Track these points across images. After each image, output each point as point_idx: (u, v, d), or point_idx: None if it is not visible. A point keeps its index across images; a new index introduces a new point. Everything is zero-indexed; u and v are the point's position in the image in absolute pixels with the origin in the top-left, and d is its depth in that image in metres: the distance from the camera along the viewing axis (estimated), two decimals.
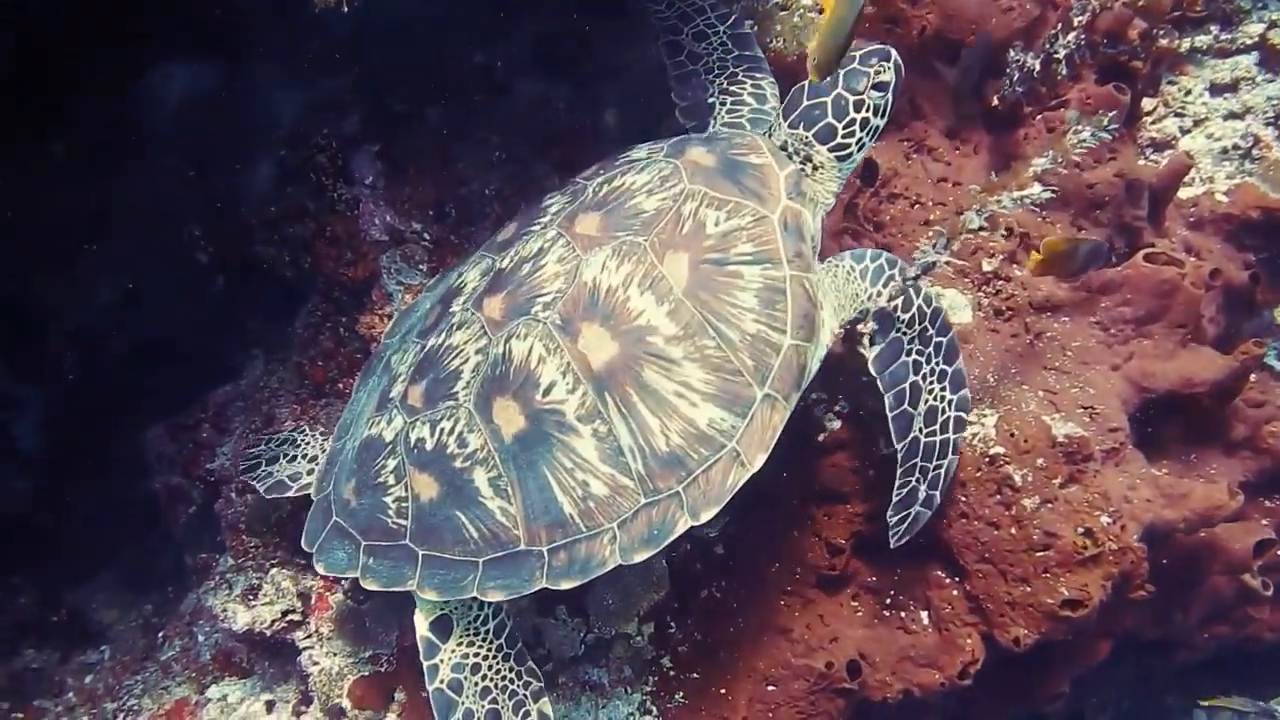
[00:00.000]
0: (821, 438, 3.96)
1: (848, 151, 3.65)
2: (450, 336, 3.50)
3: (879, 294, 3.51)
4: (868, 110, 3.60)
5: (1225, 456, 4.52)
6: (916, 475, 3.57)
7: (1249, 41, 5.41)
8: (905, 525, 3.63)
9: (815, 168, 3.66)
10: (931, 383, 3.54)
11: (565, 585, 3.28)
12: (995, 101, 4.41)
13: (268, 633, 4.22)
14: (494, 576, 3.32)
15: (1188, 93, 5.27)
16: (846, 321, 3.59)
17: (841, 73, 3.57)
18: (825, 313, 3.49)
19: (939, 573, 4.00)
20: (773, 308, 3.33)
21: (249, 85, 4.62)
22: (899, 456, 3.56)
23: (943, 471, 3.57)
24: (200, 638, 4.70)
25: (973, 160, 4.55)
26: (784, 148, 3.67)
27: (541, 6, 4.98)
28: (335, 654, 4.13)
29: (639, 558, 3.25)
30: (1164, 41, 4.26)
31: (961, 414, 3.58)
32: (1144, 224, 4.58)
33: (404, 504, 3.43)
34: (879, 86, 3.58)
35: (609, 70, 5.03)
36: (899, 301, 3.48)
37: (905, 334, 3.51)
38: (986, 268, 4.29)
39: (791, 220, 3.47)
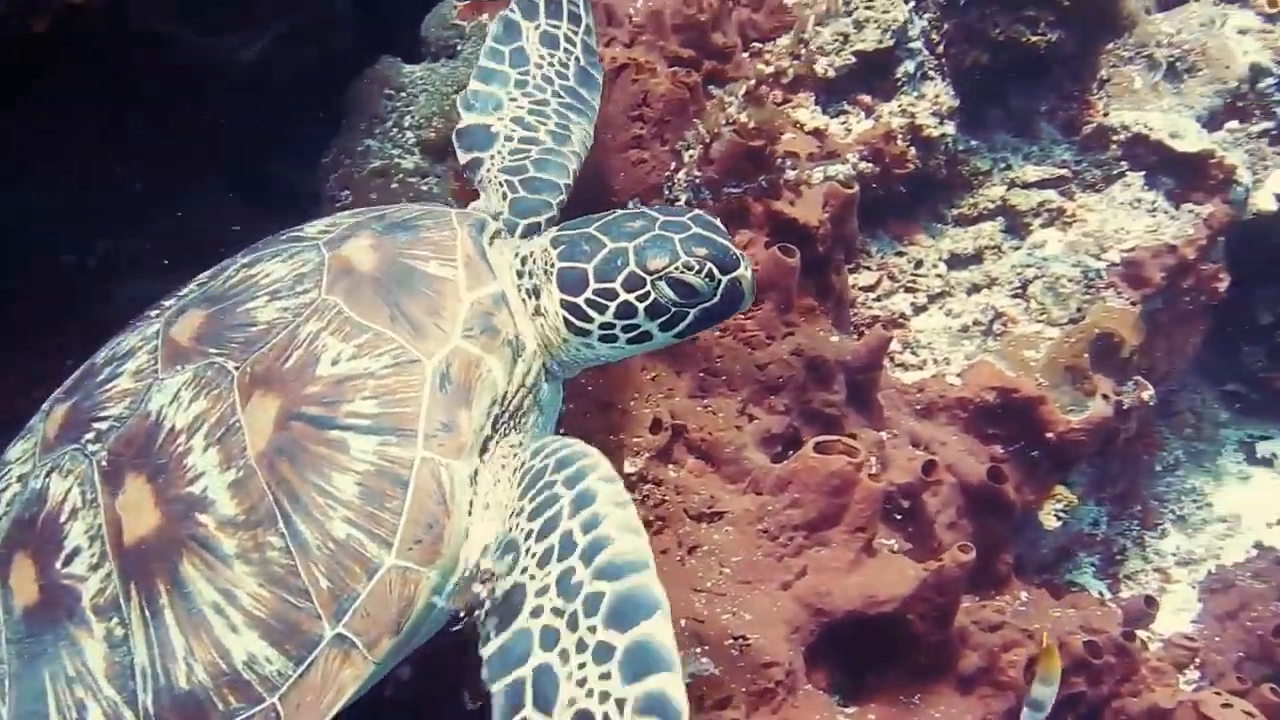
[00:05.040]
0: None
1: (585, 327, 2.73)
2: (11, 450, 2.83)
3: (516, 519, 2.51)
4: (640, 298, 2.67)
5: (960, 695, 3.86)
6: None
7: (991, 206, 5.05)
8: None
9: (539, 313, 2.79)
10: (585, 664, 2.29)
11: None
12: None
13: None
14: None
15: (918, 264, 4.86)
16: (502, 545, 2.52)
17: (653, 236, 2.69)
18: (470, 524, 2.52)
19: None
20: (381, 505, 2.44)
21: None
22: None
23: None
24: None
25: None
26: (524, 262, 2.81)
27: (176, 198, 4.59)
28: None
29: None
30: (792, 174, 3.81)
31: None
32: (840, 410, 4.06)
33: None
34: (677, 286, 2.65)
35: None
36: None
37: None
38: (630, 469, 3.71)
39: (459, 373, 2.57)
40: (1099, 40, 5.37)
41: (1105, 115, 5.30)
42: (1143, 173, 5.15)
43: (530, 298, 2.78)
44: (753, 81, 3.55)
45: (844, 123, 4.62)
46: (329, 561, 2.41)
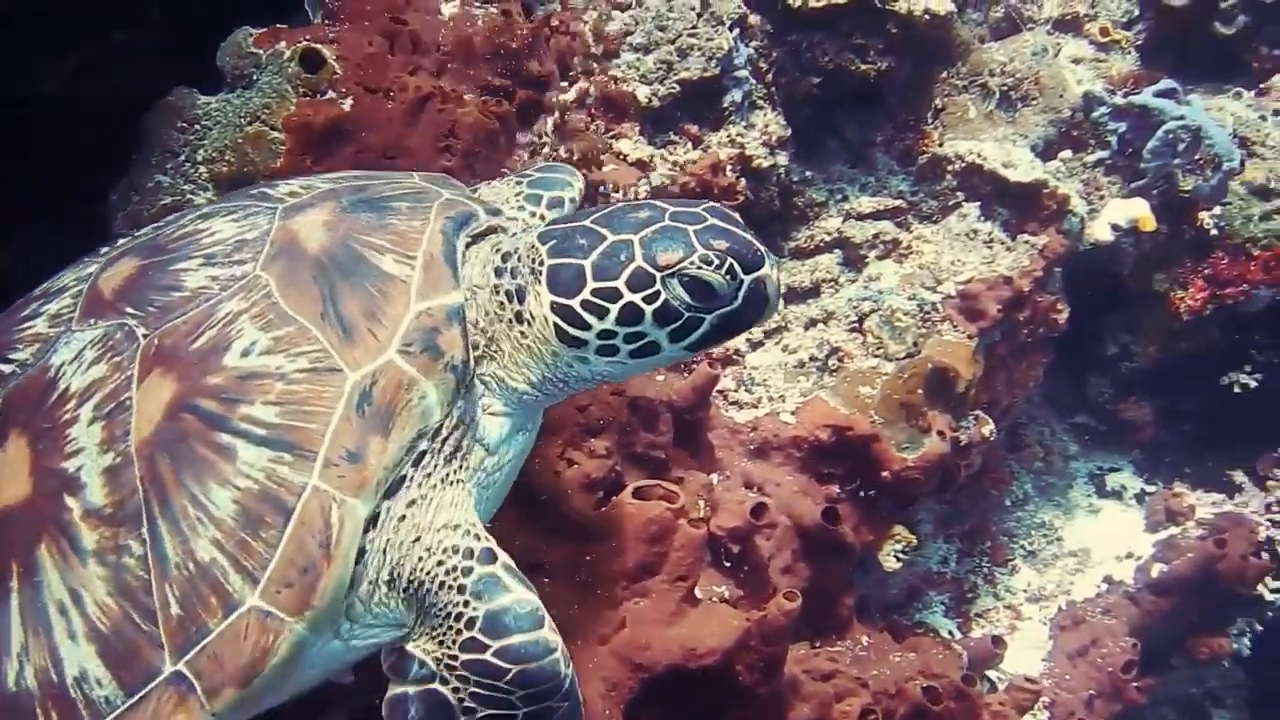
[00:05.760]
0: None
1: (580, 335, 2.33)
2: None
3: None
4: (648, 300, 2.28)
5: None
6: None
7: (828, 238, 4.99)
8: None
9: (521, 320, 2.41)
10: None
11: None
12: None
13: None
14: None
15: None
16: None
17: (663, 227, 2.32)
18: (352, 582, 2.23)
19: None
20: (255, 533, 2.13)
21: None
22: None
23: None
24: None
25: None
26: (505, 259, 2.44)
27: None
28: None
29: None
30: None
31: None
32: (667, 452, 3.93)
33: None
34: (692, 285, 2.27)
35: None
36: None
37: None
38: None
39: (384, 394, 2.21)
40: (932, 68, 5.37)
41: (940, 145, 5.30)
42: (978, 203, 5.15)
43: (511, 301, 2.41)
44: (557, 114, 3.41)
45: (670, 153, 4.51)
46: (185, 585, 2.12)
